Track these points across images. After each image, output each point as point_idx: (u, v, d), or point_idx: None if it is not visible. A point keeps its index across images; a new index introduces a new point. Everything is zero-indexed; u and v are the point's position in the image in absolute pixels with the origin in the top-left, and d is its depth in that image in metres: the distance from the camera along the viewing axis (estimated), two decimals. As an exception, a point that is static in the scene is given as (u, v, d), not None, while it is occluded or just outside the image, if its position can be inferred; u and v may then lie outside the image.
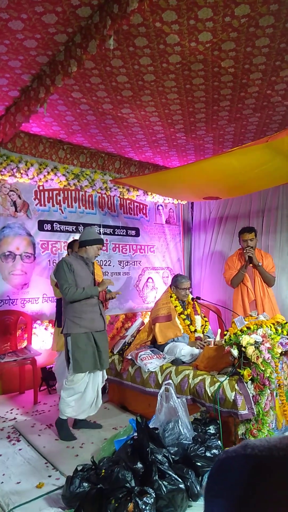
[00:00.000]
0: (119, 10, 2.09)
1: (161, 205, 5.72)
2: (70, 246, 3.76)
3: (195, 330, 3.57)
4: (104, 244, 4.90)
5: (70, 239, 4.33)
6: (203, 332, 3.60)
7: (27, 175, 4.22)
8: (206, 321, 3.72)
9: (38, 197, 4.42)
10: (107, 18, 2.17)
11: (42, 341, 4.25)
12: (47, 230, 4.47)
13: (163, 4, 2.15)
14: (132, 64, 2.76)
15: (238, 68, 2.81)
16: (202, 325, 3.63)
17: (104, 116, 3.66)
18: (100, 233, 4.91)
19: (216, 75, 2.91)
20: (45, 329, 4.29)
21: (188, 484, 1.98)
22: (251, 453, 0.54)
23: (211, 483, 0.59)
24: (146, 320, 4.84)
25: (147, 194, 5.40)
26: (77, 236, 4.09)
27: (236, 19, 2.28)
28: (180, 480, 1.96)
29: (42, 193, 4.45)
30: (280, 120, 3.80)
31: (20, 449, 2.78)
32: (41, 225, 4.42)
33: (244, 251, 3.79)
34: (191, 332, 3.53)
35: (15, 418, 3.36)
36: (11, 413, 3.50)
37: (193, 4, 2.15)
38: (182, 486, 1.94)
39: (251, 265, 3.84)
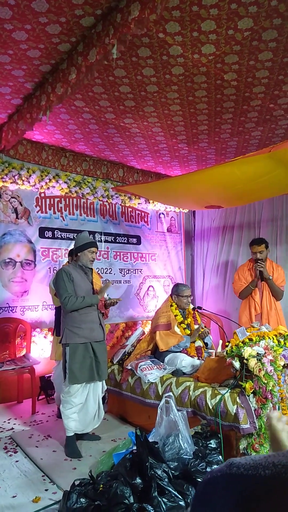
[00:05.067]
0: (122, 19, 2.10)
1: (162, 213, 5.72)
2: (71, 253, 3.74)
3: (195, 340, 3.53)
4: (105, 250, 4.95)
5: (71, 247, 4.32)
6: (203, 340, 3.57)
7: (29, 182, 4.23)
8: (207, 331, 3.68)
9: (40, 204, 4.42)
10: (110, 27, 2.18)
11: (41, 349, 4.22)
12: (48, 237, 4.46)
13: (166, 15, 2.16)
14: (135, 74, 2.77)
15: (241, 81, 2.82)
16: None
17: (106, 125, 3.67)
18: (101, 241, 4.90)
19: (219, 87, 2.92)
20: (44, 337, 4.26)
21: (188, 501, 1.94)
22: (236, 472, 0.53)
23: (197, 505, 0.57)
24: (147, 329, 4.81)
25: (149, 202, 5.40)
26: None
27: (239, 32, 2.29)
28: (180, 496, 1.92)
29: (43, 200, 4.45)
30: (283, 134, 3.81)
31: (17, 461, 2.74)
32: (42, 232, 4.41)
33: (255, 266, 3.71)
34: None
35: (12, 428, 3.32)
36: (9, 423, 3.46)
37: (197, 16, 2.16)
38: (182, 503, 1.90)
39: (262, 282, 3.76)
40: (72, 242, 4.56)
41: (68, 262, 3.78)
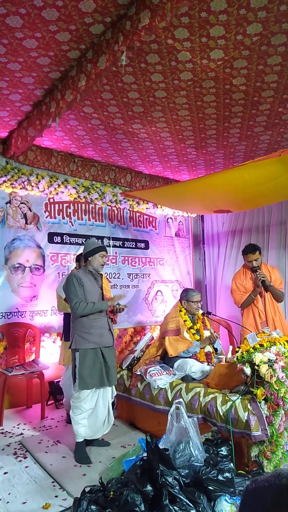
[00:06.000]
0: (131, 26, 2.12)
1: (170, 218, 5.72)
2: (78, 259, 3.75)
3: (204, 346, 3.51)
4: (113, 255, 4.96)
5: (80, 252, 4.33)
6: (212, 346, 3.54)
7: (38, 187, 4.26)
8: (216, 336, 3.65)
9: (49, 209, 4.45)
10: (119, 34, 2.20)
11: (50, 354, 4.23)
12: (57, 243, 4.49)
13: (175, 21, 2.17)
14: (143, 80, 2.79)
15: (249, 85, 2.82)
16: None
17: (115, 131, 3.69)
18: (109, 246, 4.91)
19: (228, 92, 2.92)
20: (53, 342, 4.26)
21: (200, 509, 1.91)
22: (287, 483, 0.52)
23: None
24: (155, 334, 4.79)
25: (157, 207, 5.41)
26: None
27: (248, 37, 2.29)
28: (191, 505, 1.89)
29: (52, 205, 4.48)
30: (292, 137, 3.80)
31: (26, 467, 2.73)
32: (51, 238, 4.44)
33: (256, 276, 3.60)
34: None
35: (22, 434, 3.32)
36: (18, 428, 3.46)
37: (205, 22, 2.17)
38: (193, 511, 1.87)
39: (267, 292, 3.70)
40: (81, 247, 4.57)
41: (75, 267, 3.79)
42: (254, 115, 3.30)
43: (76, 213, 4.68)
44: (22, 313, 4.15)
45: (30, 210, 4.30)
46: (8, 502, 2.29)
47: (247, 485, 0.57)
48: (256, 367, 2.46)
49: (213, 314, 3.74)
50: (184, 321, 3.51)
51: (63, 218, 4.56)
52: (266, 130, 3.62)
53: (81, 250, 4.43)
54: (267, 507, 0.52)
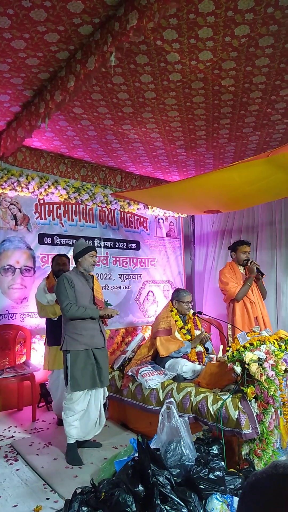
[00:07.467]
0: (120, 27, 2.12)
1: (161, 218, 5.73)
2: (53, 260, 3.79)
3: (195, 345, 3.52)
4: (104, 255, 4.95)
5: (70, 253, 4.31)
6: (203, 345, 3.56)
7: (28, 188, 4.24)
8: (208, 337, 3.66)
9: (39, 210, 4.42)
10: (108, 35, 2.20)
11: (41, 356, 4.18)
12: (47, 244, 4.46)
13: (163, 23, 2.18)
14: (133, 81, 2.79)
15: (238, 86, 2.85)
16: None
17: (105, 131, 3.69)
18: (100, 246, 4.90)
19: (216, 93, 2.94)
20: (44, 344, 4.23)
21: (191, 508, 1.92)
22: (284, 472, 0.53)
23: (243, 507, 0.57)
24: (147, 335, 4.79)
25: (148, 208, 5.42)
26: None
27: (236, 39, 2.31)
28: (183, 504, 1.90)
29: (42, 206, 4.46)
30: (280, 138, 3.83)
31: (17, 470, 2.71)
32: (41, 239, 4.41)
33: (251, 264, 3.76)
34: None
35: (13, 436, 3.29)
36: (9, 430, 3.43)
37: (194, 23, 2.19)
38: (185, 510, 1.88)
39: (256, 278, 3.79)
40: (72, 248, 4.55)
41: (52, 271, 3.79)
42: (243, 116, 3.33)
43: (66, 214, 4.66)
44: (12, 315, 4.12)
45: (20, 211, 4.27)
46: (-2, 505, 2.27)
47: (247, 479, 0.58)
48: (246, 365, 2.48)
49: (204, 314, 3.76)
50: (175, 321, 3.52)
51: (54, 219, 4.54)
52: (255, 131, 3.66)
53: (71, 251, 4.41)
54: (265, 496, 0.53)
